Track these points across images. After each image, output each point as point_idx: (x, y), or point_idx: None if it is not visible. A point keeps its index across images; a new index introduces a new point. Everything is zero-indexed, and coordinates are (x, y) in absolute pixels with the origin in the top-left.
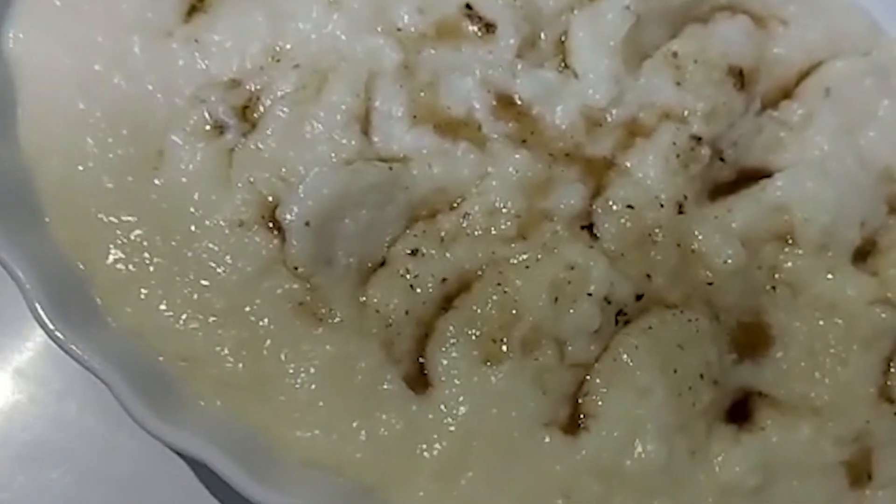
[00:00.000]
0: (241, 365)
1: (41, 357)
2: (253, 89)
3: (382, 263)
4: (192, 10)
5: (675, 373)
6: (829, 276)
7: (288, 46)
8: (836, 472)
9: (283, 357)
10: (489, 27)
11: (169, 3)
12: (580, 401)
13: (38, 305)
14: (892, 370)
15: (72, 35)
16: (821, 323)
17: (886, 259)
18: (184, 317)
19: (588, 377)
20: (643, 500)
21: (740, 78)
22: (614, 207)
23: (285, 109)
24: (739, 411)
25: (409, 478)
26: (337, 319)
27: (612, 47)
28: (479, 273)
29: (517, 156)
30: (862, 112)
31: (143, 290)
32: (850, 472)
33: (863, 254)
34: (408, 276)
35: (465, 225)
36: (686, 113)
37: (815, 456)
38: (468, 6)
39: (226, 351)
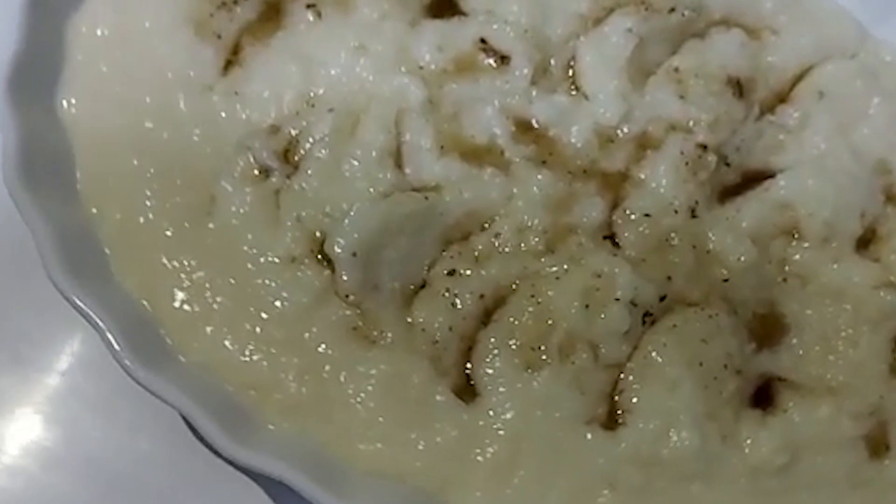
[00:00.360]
0: (304, 389)
1: (116, 395)
2: (292, 134)
3: (424, 285)
4: (229, 65)
5: (700, 366)
6: (835, 265)
7: (321, 91)
8: (855, 445)
9: (342, 379)
10: (504, 59)
11: (208, 59)
12: (616, 398)
13: (117, 347)
14: None
15: (121, 97)
16: (830, 309)
17: (887, 245)
18: (249, 349)
19: (622, 376)
20: (681, 485)
21: (738, 87)
22: (632, 217)
23: (324, 150)
24: (763, 396)
25: (466, 480)
26: (388, 340)
27: (619, 68)
28: (514, 287)
29: (539, 176)
30: (854, 111)
31: (208, 328)
32: (868, 445)
33: (864, 242)
34: (448, 295)
35: (496, 244)
36: (691, 123)
37: (835, 432)
38: (483, 41)
39: (290, 377)
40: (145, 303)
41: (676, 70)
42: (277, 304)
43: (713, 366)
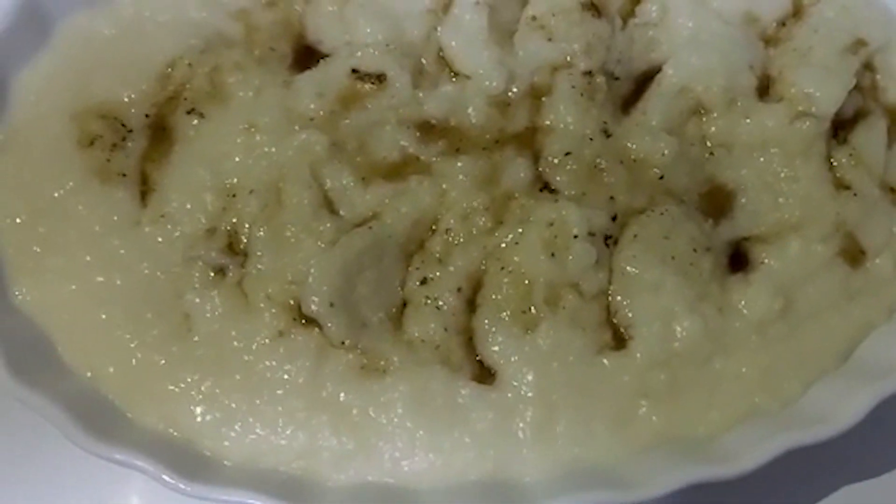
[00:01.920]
0: (344, 439)
1: None
2: (229, 227)
3: (405, 304)
4: (145, 195)
5: (673, 259)
6: (748, 120)
7: (235, 180)
8: (835, 263)
9: (372, 414)
10: (380, 78)
11: (123, 199)
12: (615, 321)
13: (173, 480)
14: (834, 163)
15: (63, 267)
16: (761, 160)
17: (783, 83)
18: (280, 428)
19: (610, 299)
20: (704, 367)
21: (594, 8)
22: (556, 161)
23: (262, 229)
24: (739, 261)
25: (517, 451)
26: (396, 364)
27: (483, 40)
28: (483, 268)
29: (459, 164)
30: None
31: (237, 426)
32: (847, 258)
33: (764, 89)
34: (430, 302)
35: (450, 239)
36: (569, 58)
37: (813, 260)
38: (354, 70)
39: (327, 434)
40: (171, 430)
41: (534, 18)
42: (286, 377)
43: (683, 254)
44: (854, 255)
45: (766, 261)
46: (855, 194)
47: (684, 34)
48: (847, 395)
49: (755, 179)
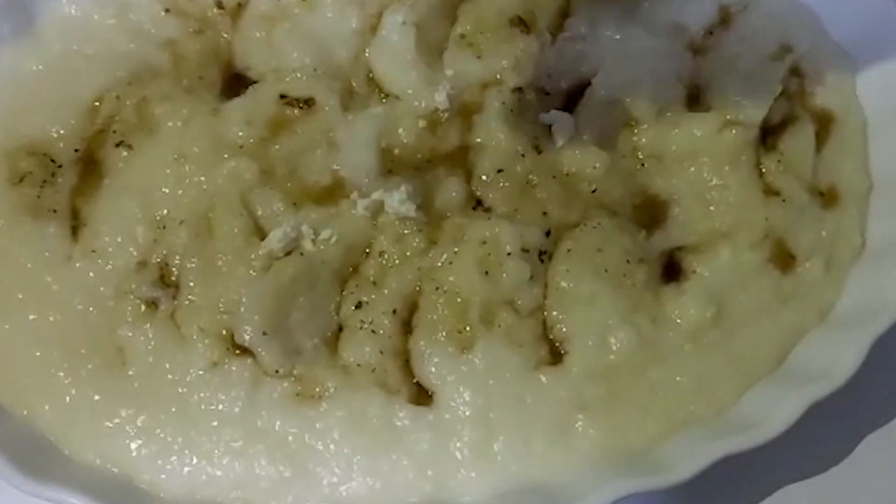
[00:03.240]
0: (281, 467)
1: None
2: (160, 259)
3: (340, 328)
4: (75, 230)
5: (606, 272)
6: (677, 130)
7: (165, 212)
8: (766, 269)
9: (308, 441)
10: (308, 102)
11: (54, 235)
12: (551, 336)
13: None
14: (763, 170)
15: None
16: (692, 169)
17: (711, 92)
18: (216, 459)
19: (546, 314)
20: (639, 377)
21: (523, 24)
22: (488, 179)
23: (193, 260)
24: (672, 271)
25: (456, 470)
26: (332, 390)
27: (411, 60)
28: (418, 289)
29: (390, 184)
30: None
31: (172, 458)
32: (777, 263)
33: (694, 98)
34: (365, 326)
35: (384, 261)
36: (498, 76)
37: (744, 267)
38: (282, 96)
39: (264, 463)
40: (109, 465)
41: (462, 36)
42: (221, 407)
43: (617, 267)
44: (785, 259)
45: (698, 270)
46: (784, 200)
47: (612, 47)
48: (780, 400)
49: (686, 189)
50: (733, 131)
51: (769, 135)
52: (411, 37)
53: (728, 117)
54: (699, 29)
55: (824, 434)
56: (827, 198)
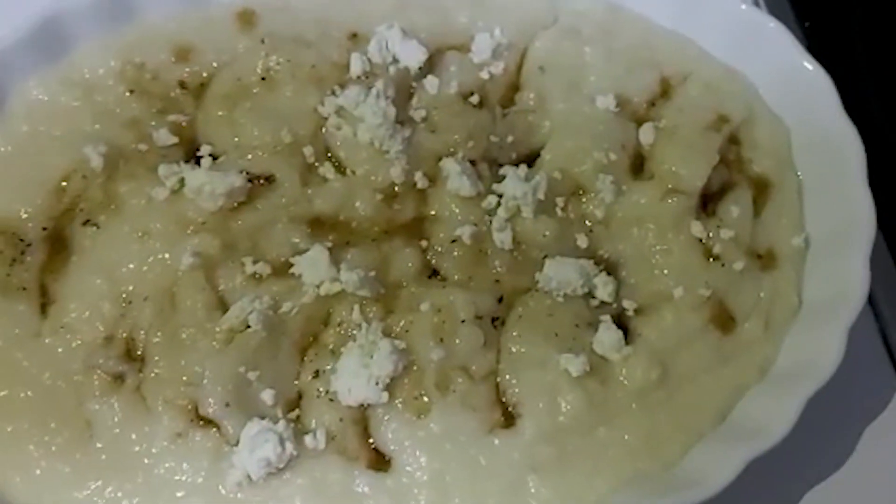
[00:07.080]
0: None
1: None
2: (125, 334)
3: (300, 396)
4: (44, 307)
5: (556, 336)
6: (622, 198)
7: (131, 287)
8: (707, 330)
9: None
10: (269, 178)
11: (24, 312)
12: (504, 399)
13: None
14: (704, 236)
15: None
16: (637, 235)
17: (654, 161)
18: None
19: (499, 378)
20: (589, 437)
21: (476, 99)
22: (442, 249)
23: (158, 334)
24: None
25: None
26: (295, 457)
27: (369, 137)
28: None
29: (349, 256)
30: (574, 67)
31: None
32: (717, 325)
33: (637, 166)
34: (323, 395)
35: (343, 331)
36: (452, 149)
37: (686, 329)
38: (243, 171)
39: None
40: None
41: (418, 111)
42: (185, 478)
43: (566, 331)
44: (725, 321)
45: (643, 332)
46: (723, 264)
47: (559, 119)
48: (721, 456)
49: (633, 254)
50: (674, 199)
51: (709, 201)
52: (370, 114)
53: (669, 185)
54: (642, 101)
55: (763, 487)
56: (765, 260)
